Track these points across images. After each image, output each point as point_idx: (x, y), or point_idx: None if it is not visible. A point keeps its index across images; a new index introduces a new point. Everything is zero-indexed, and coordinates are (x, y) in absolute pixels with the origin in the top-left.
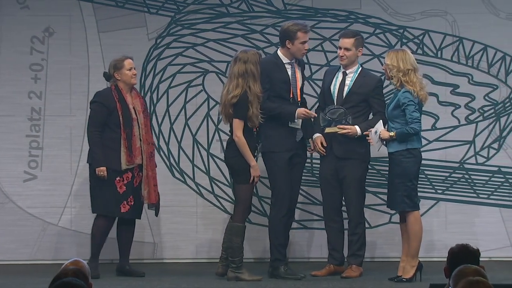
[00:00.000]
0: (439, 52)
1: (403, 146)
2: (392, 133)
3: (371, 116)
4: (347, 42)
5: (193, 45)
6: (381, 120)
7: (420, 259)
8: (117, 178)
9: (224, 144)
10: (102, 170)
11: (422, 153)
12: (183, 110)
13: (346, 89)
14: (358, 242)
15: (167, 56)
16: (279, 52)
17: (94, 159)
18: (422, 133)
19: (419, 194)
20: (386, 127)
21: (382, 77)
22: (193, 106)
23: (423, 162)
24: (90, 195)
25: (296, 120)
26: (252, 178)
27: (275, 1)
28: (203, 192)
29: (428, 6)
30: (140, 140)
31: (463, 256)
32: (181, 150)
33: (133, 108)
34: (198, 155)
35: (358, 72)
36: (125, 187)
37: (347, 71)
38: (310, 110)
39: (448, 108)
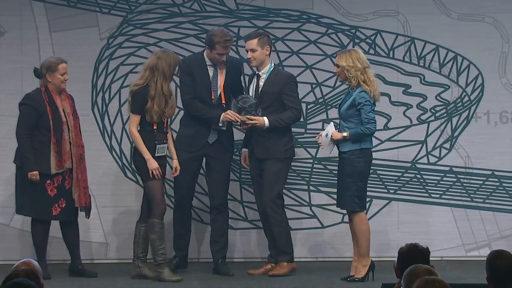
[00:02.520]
0: (391, 52)
1: (357, 146)
2: (345, 134)
3: None
4: (251, 43)
5: (145, 44)
6: (332, 123)
7: (373, 259)
8: (48, 181)
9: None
10: (34, 175)
11: (375, 153)
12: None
13: (260, 90)
14: (282, 238)
15: (119, 55)
16: (204, 53)
17: (26, 163)
18: (375, 133)
19: (371, 193)
20: (339, 127)
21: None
22: None
23: (375, 162)
24: (16, 196)
25: (220, 124)
26: (151, 172)
27: (227, 1)
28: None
29: (380, 6)
30: (70, 143)
31: (413, 255)
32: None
33: (63, 110)
34: None
35: (270, 71)
36: (56, 190)
37: (260, 73)
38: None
39: (400, 108)
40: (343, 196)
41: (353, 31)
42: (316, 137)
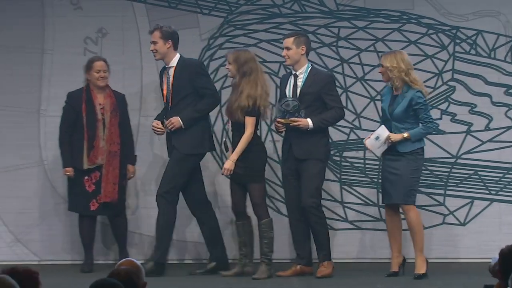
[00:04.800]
0: (492, 53)
1: (418, 145)
2: (405, 134)
3: None
4: (287, 41)
5: (246, 45)
6: (383, 125)
7: (474, 261)
8: (86, 177)
9: (278, 144)
10: (68, 171)
11: (476, 154)
12: None
13: (298, 90)
14: (324, 238)
15: (219, 56)
16: None
17: (62, 159)
18: (476, 134)
19: (473, 194)
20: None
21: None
22: None
23: (476, 162)
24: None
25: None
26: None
27: (327, 1)
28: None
29: (481, 7)
30: (104, 140)
31: None
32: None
33: (102, 108)
34: None
35: (308, 71)
36: (94, 186)
37: (297, 73)
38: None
39: (502, 108)
40: (401, 192)
41: (454, 31)
42: (364, 140)
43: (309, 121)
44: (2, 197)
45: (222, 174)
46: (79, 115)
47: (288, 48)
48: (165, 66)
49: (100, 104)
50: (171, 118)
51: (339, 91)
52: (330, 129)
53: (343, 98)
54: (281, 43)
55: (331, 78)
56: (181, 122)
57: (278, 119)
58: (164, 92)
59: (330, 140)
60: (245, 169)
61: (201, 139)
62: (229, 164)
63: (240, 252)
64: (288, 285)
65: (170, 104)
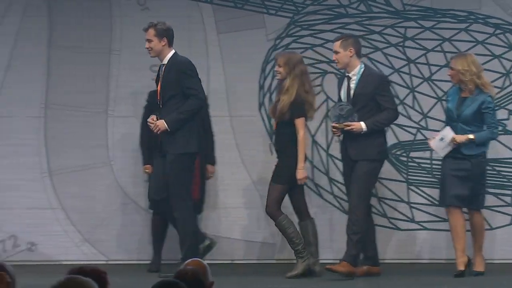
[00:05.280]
0: None
1: (483, 149)
2: (471, 136)
3: None
4: (335, 45)
5: (312, 46)
6: (448, 127)
7: None
8: None
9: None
10: (147, 168)
11: None
12: None
13: (352, 92)
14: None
15: None
16: None
17: (142, 157)
18: None
19: None
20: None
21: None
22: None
23: None
24: None
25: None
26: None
27: (394, 1)
28: (322, 193)
29: None
30: None
31: None
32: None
33: None
34: (317, 156)
35: (361, 72)
36: None
37: (350, 75)
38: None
39: None
40: (469, 196)
41: None
42: (429, 141)
43: (362, 124)
44: (70, 197)
45: (300, 184)
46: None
47: (336, 52)
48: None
49: None
50: (156, 122)
51: (406, 91)
52: (397, 129)
53: (409, 98)
54: None
55: (384, 79)
56: (166, 125)
57: (333, 124)
58: (158, 89)
59: (386, 140)
60: (278, 168)
61: (187, 139)
62: (300, 173)
63: (301, 252)
64: (352, 286)
65: (160, 102)
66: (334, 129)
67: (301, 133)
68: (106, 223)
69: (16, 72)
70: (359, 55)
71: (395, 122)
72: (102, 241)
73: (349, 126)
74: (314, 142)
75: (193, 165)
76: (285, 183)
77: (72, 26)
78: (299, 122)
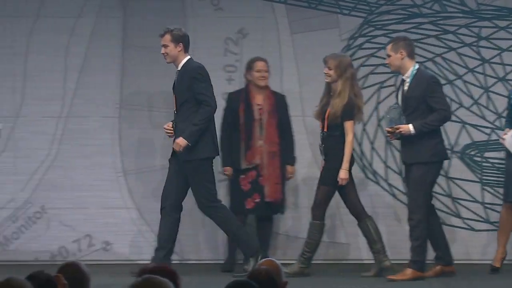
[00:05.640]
0: None
1: None
2: None
3: None
4: (387, 48)
5: (386, 46)
6: None
7: None
8: (241, 176)
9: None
10: (226, 170)
11: None
12: (375, 111)
13: (404, 95)
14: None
15: (359, 57)
16: None
17: (221, 159)
18: None
19: None
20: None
21: None
22: (386, 107)
23: None
24: None
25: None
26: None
27: (468, 1)
28: (396, 193)
29: None
30: (262, 140)
31: None
32: (373, 151)
33: (260, 108)
34: (390, 156)
35: (413, 75)
36: (249, 185)
37: (404, 77)
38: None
39: None
40: None
41: None
42: (502, 135)
43: (410, 126)
44: (144, 196)
45: (340, 184)
46: (237, 115)
47: (388, 55)
48: (402, 78)
49: (258, 104)
50: (176, 140)
51: (480, 91)
52: (471, 129)
53: (483, 98)
54: (422, 43)
55: (432, 80)
56: (185, 141)
57: (386, 128)
58: (174, 95)
59: (442, 141)
60: (326, 169)
61: (203, 144)
62: (342, 173)
63: (372, 251)
64: (428, 286)
65: (175, 108)
66: (388, 134)
67: (350, 136)
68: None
69: (91, 73)
70: (411, 56)
71: (469, 123)
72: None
73: (398, 129)
74: (388, 143)
75: (211, 169)
76: (331, 185)
77: (146, 26)
78: (349, 125)
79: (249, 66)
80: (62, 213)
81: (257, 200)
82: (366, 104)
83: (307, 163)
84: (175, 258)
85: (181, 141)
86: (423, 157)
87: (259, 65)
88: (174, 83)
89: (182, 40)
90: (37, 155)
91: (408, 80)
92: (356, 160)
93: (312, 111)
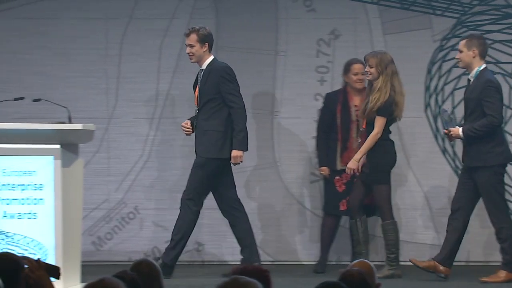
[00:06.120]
0: None
1: None
2: None
3: None
4: (460, 44)
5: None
6: None
7: None
8: (337, 177)
9: None
10: (322, 170)
11: None
12: None
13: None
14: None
15: (452, 58)
16: None
17: (318, 159)
18: None
19: None
20: None
21: None
22: None
23: None
24: None
25: None
26: None
27: None
28: None
29: None
30: (358, 141)
31: None
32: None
33: (357, 110)
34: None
35: (476, 76)
36: (344, 186)
37: (469, 77)
38: None
39: None
40: None
41: None
42: None
43: (460, 130)
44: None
45: (347, 173)
46: (334, 116)
47: (460, 51)
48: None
49: (355, 106)
50: (232, 155)
51: None
52: None
53: None
54: None
55: (489, 84)
56: (241, 151)
57: (444, 130)
58: (196, 94)
59: (503, 143)
60: (370, 169)
61: (221, 145)
62: (352, 163)
63: (387, 253)
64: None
65: (198, 106)
66: (446, 136)
67: (375, 130)
68: (271, 224)
69: (183, 74)
70: (482, 56)
71: None
72: (267, 242)
73: (450, 131)
74: None
75: (218, 170)
76: (386, 182)
77: (239, 27)
78: (379, 120)
79: (346, 68)
80: (155, 214)
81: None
82: (460, 105)
83: (398, 164)
84: (267, 259)
85: (237, 153)
86: (483, 161)
87: (356, 67)
88: (196, 82)
89: (208, 40)
90: (130, 156)
91: (471, 80)
92: (449, 161)
93: (404, 112)
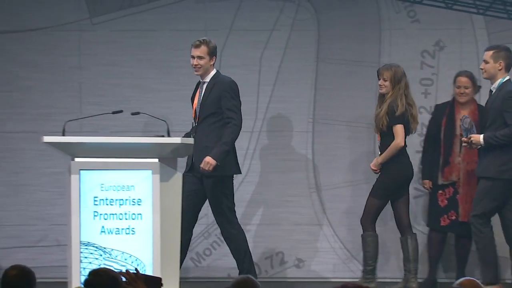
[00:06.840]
0: None
1: None
2: None
3: None
4: (486, 54)
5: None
6: None
7: None
8: (439, 192)
9: None
10: (425, 183)
11: None
12: None
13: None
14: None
15: None
16: None
17: (421, 171)
18: None
19: None
20: None
21: None
22: None
23: None
24: None
25: None
26: None
27: None
28: None
29: None
30: (460, 157)
31: None
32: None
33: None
34: None
35: (499, 87)
36: (446, 201)
37: (492, 87)
38: None
39: None
40: None
41: None
42: None
43: (480, 137)
44: (338, 213)
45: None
46: (440, 129)
47: (486, 62)
48: (200, 80)
49: (461, 119)
50: (205, 159)
51: None
52: None
53: None
54: None
55: (510, 94)
56: (215, 160)
57: (462, 139)
58: (194, 106)
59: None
60: (376, 180)
61: (229, 162)
62: (374, 164)
63: (404, 269)
64: None
65: (197, 119)
66: (464, 144)
67: (397, 139)
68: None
69: (284, 86)
70: (507, 69)
71: None
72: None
73: (470, 138)
74: None
75: (231, 186)
76: (380, 198)
77: (340, 39)
78: (398, 128)
79: (454, 80)
80: (254, 229)
81: (453, 217)
82: None
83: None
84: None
85: (211, 160)
86: (489, 172)
87: (461, 80)
88: (194, 95)
89: (215, 54)
90: None
91: (493, 91)
92: None
93: None
